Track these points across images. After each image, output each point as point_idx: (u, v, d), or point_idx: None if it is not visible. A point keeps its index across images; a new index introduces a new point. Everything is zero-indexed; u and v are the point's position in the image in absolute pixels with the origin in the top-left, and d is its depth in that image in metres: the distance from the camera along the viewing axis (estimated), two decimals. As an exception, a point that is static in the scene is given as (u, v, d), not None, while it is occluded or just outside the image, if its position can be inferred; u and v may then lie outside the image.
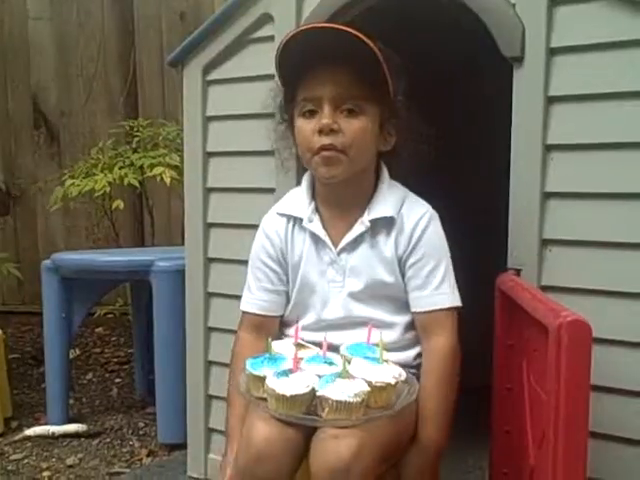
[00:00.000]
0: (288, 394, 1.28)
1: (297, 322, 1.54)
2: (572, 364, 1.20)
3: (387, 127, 1.51)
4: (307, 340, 1.52)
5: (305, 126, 1.47)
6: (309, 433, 1.33)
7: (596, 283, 1.53)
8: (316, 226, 1.54)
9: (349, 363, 1.35)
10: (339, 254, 1.53)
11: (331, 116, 1.43)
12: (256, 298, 1.60)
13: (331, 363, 1.36)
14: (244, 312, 1.62)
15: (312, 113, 1.46)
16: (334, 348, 1.47)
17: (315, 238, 1.54)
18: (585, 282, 1.54)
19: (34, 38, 4.45)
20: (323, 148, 1.44)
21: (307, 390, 1.29)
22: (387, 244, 1.51)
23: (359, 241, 1.52)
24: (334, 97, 1.43)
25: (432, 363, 1.49)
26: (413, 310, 1.52)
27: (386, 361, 1.37)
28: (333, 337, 1.49)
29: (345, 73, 1.42)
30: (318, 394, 1.29)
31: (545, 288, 1.57)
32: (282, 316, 1.61)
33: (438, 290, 1.50)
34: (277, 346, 1.42)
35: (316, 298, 1.55)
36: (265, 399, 1.33)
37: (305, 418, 1.31)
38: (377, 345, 1.39)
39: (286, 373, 1.32)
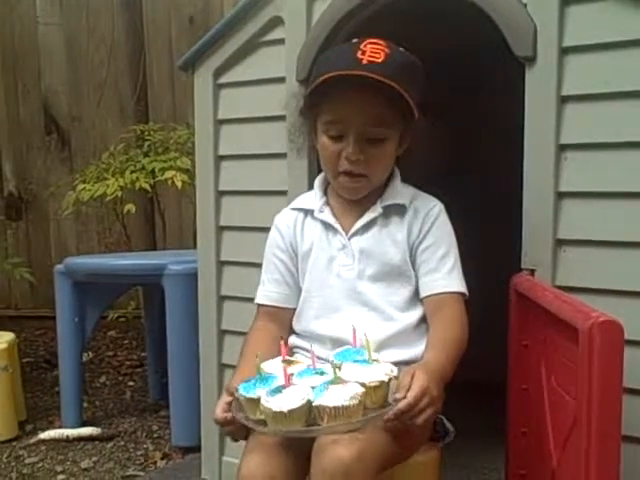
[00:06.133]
0: (285, 410, 1.26)
1: (289, 333, 1.59)
2: (604, 366, 1.18)
3: (404, 137, 1.54)
4: (318, 333, 1.54)
5: (330, 147, 1.50)
6: (309, 454, 1.31)
7: (612, 283, 1.52)
8: (327, 215, 1.58)
9: (339, 369, 1.34)
10: (350, 238, 1.55)
11: (356, 146, 1.47)
12: (267, 290, 1.63)
13: (322, 373, 1.35)
14: (257, 305, 1.65)
15: (338, 136, 1.48)
16: (343, 342, 1.47)
17: (326, 226, 1.57)
18: (601, 282, 1.53)
19: (44, 43, 4.46)
20: (347, 173, 1.50)
21: (303, 402, 1.28)
22: (399, 228, 1.54)
23: (371, 225, 1.55)
24: (361, 127, 1.46)
25: (441, 318, 1.48)
26: (424, 294, 1.52)
27: (375, 360, 1.36)
28: (345, 324, 1.48)
29: (372, 104, 1.45)
30: (314, 404, 1.27)
31: (560, 288, 1.56)
32: (294, 310, 1.61)
33: (450, 275, 1.51)
34: (267, 366, 1.41)
35: (327, 285, 1.56)
36: (264, 421, 1.31)
37: (306, 430, 1.29)
38: (364, 347, 1.38)
39: (279, 390, 1.30)
